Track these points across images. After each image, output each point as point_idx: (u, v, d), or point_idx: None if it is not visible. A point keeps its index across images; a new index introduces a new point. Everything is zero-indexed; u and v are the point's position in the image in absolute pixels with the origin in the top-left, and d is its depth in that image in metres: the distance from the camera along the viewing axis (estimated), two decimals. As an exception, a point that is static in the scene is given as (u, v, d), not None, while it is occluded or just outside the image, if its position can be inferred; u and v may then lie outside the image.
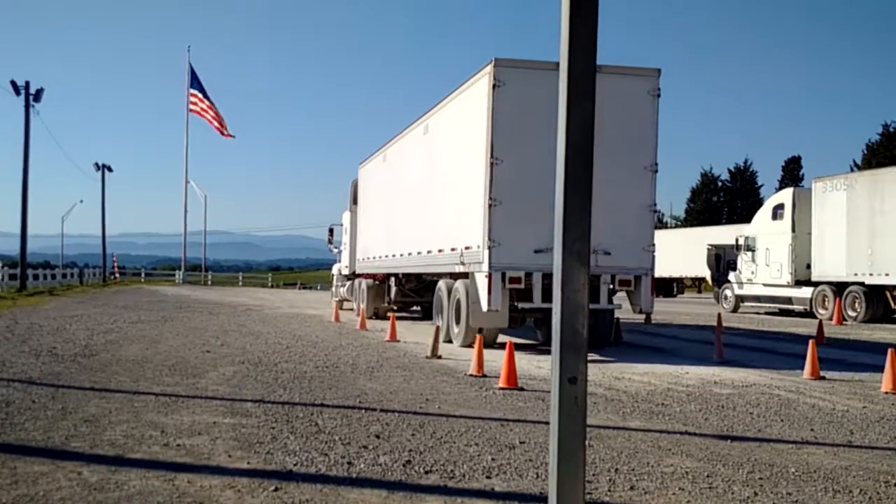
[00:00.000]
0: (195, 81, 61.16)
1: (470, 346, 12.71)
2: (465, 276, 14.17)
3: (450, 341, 14.66)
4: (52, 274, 47.73)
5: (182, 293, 41.52)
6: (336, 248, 28.57)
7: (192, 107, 61.64)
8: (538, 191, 11.67)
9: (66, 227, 68.44)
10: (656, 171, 13.37)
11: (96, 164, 57.94)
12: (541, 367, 11.41)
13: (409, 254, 17.93)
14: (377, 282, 22.04)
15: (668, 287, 46.91)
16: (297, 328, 18.46)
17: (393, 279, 20.89)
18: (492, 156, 12.88)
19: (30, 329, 16.43)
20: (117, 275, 67.58)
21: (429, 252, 16.35)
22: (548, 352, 13.74)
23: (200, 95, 61.11)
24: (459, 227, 14.41)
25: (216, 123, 60.78)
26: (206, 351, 12.93)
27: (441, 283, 15.88)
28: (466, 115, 14.36)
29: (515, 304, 13.25)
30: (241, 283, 65.88)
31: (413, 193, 18.12)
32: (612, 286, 13.26)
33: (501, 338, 14.26)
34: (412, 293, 20.56)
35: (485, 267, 12.95)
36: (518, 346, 13.01)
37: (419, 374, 10.65)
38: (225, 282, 67.71)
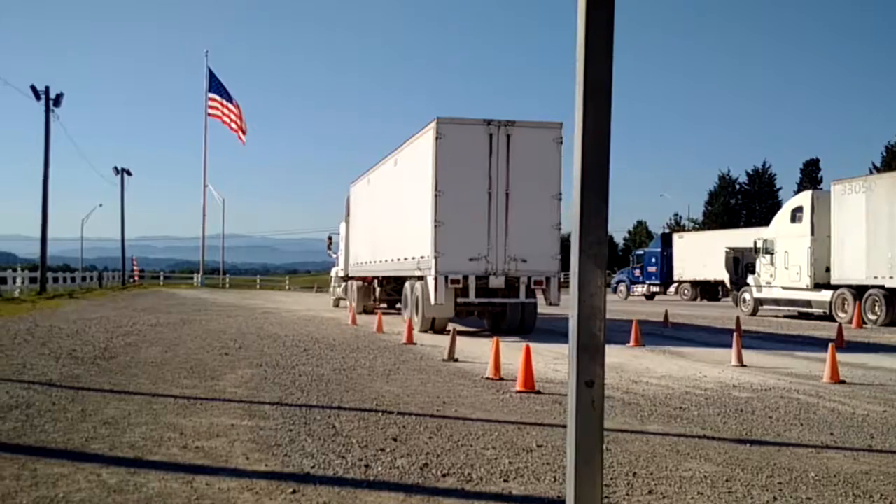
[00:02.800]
0: (214, 85, 61.52)
1: (426, 331, 17.52)
2: (421, 278, 17.73)
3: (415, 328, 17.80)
4: (71, 277, 48.15)
5: (200, 296, 41.76)
6: (334, 253, 32.66)
7: (210, 111, 62.02)
8: (471, 214, 16.77)
9: (86, 230, 68.97)
10: (561, 199, 17.05)
11: (115, 168, 58.43)
12: (558, 371, 11.39)
13: (387, 260, 21.55)
14: (365, 283, 26.12)
15: (713, 290, 43.68)
16: (314, 331, 18.52)
17: (377, 281, 24.93)
18: (436, 189, 16.76)
19: (50, 331, 16.59)
20: (136, 278, 68.04)
21: (398, 259, 20.11)
22: (484, 335, 17.89)
23: (220, 99, 61.46)
24: (416, 241, 18.13)
25: (236, 128, 61.00)
26: (225, 353, 13.01)
27: (407, 284, 19.52)
28: (419, 157, 18.18)
29: (458, 300, 17.00)
30: (258, 287, 66.15)
31: (388, 212, 21.94)
32: (528, 286, 17.17)
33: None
34: (393, 292, 23.80)
35: (433, 271, 16.75)
36: (466, 333, 17.68)
37: (436, 377, 10.66)
38: (243, 285, 68.00)
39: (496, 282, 16.94)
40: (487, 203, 16.83)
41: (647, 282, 48.77)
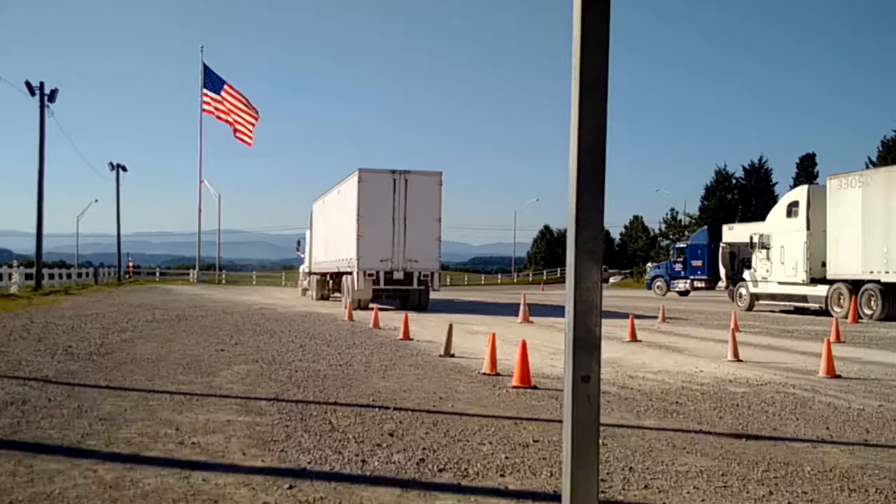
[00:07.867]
0: (210, 81, 61.30)
1: (355, 309, 23.49)
2: (350, 273, 26.14)
3: (345, 307, 24.41)
4: (67, 273, 48.02)
5: (196, 292, 41.72)
6: (301, 254, 41.42)
7: (205, 107, 61.83)
8: (381, 231, 25.28)
9: (82, 226, 68.92)
10: (440, 221, 25.85)
11: (111, 164, 58.41)
12: (554, 366, 11.40)
13: (333, 260, 30.02)
14: (321, 277, 34.38)
15: None
16: (310, 327, 18.52)
17: (328, 275, 32.86)
18: (359, 214, 25.35)
19: (45, 328, 16.56)
20: (132, 274, 67.93)
21: (339, 260, 28.49)
22: (391, 308, 25.22)
23: (214, 95, 61.22)
24: (348, 248, 26.48)
25: (237, 125, 60.51)
26: (221, 349, 12.99)
27: (343, 277, 28.19)
28: (349, 192, 26.81)
29: (373, 287, 25.51)
30: (255, 282, 66.10)
31: (334, 226, 30.24)
32: (419, 278, 25.68)
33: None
34: (339, 284, 30.58)
35: (356, 269, 25.40)
36: (384, 309, 23.83)
37: (432, 373, 10.66)
38: (239, 281, 67.96)
39: (398, 275, 25.49)
40: (392, 224, 25.37)
41: (691, 277, 45.17)
